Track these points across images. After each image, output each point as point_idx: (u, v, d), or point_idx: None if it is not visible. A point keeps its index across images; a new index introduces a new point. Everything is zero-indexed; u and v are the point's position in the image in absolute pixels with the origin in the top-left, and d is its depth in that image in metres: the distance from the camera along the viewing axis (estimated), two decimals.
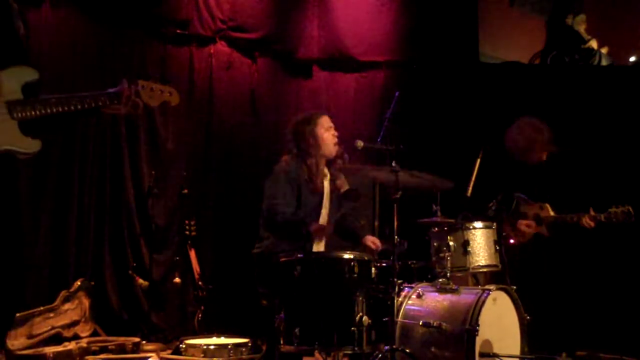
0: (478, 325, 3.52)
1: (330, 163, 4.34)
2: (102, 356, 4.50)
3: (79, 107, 2.84)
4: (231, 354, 3.92)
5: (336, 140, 4.33)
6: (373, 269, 3.64)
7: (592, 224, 4.60)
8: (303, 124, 4.33)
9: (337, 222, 4.34)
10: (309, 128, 4.29)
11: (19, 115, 2.73)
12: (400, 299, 3.79)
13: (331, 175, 4.34)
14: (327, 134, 4.30)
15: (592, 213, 4.60)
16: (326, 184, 4.32)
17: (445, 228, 4.11)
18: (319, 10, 6.19)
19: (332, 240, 4.33)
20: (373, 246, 4.23)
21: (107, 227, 5.46)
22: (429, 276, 4.12)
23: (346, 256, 3.58)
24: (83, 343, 4.65)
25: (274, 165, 4.37)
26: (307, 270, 3.51)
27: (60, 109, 2.81)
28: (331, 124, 4.37)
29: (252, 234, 4.43)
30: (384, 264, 3.89)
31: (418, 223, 4.25)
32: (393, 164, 3.79)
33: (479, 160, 4.80)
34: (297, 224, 4.04)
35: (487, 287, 3.81)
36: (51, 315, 4.67)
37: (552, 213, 4.71)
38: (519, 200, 4.77)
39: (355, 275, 3.50)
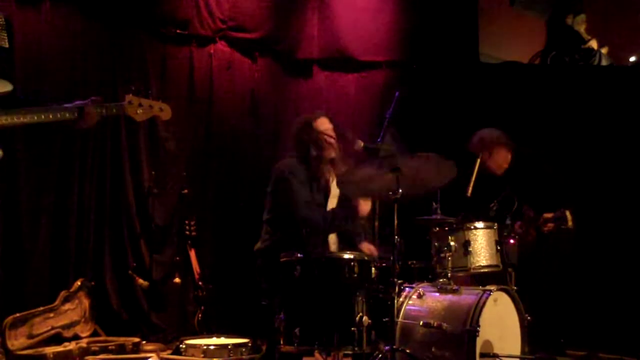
0: (479, 326, 3.52)
1: (332, 162, 4.34)
2: (102, 356, 4.50)
3: (36, 119, 2.89)
4: (231, 354, 3.91)
5: (332, 141, 4.31)
6: (373, 269, 3.65)
7: (542, 227, 4.49)
8: (303, 127, 4.34)
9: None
10: (309, 130, 4.30)
11: None
12: (400, 299, 3.78)
13: (335, 173, 4.33)
14: (322, 135, 4.30)
15: (545, 216, 4.46)
16: (332, 184, 4.32)
17: (446, 228, 4.11)
18: (319, 11, 6.19)
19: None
20: (368, 253, 4.22)
21: (107, 227, 5.46)
22: (430, 276, 4.12)
23: (346, 256, 3.59)
24: (83, 343, 4.65)
25: (275, 169, 4.33)
26: (307, 270, 3.51)
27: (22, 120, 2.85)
28: (328, 126, 4.36)
29: (252, 233, 4.43)
30: (384, 264, 3.89)
31: (418, 221, 4.25)
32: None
33: (479, 161, 4.80)
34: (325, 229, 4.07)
35: (488, 287, 3.81)
36: (51, 315, 4.67)
37: (532, 214, 4.66)
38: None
39: (355, 275, 3.51)
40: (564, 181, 4.73)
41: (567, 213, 4.32)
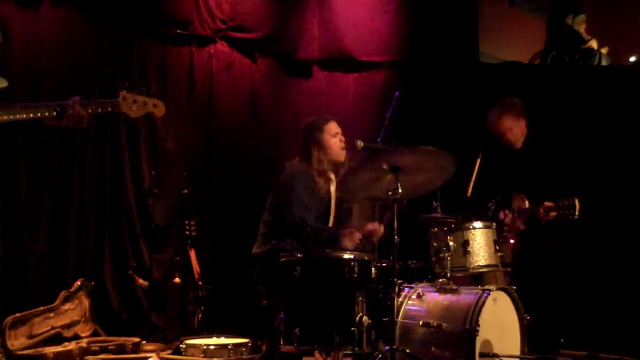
0: (478, 326, 3.51)
1: (337, 168, 4.31)
2: (102, 356, 4.50)
3: (18, 117, 2.90)
4: (231, 354, 3.92)
5: (343, 145, 4.28)
6: (373, 269, 3.64)
7: (543, 215, 4.33)
8: (311, 129, 4.32)
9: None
10: (315, 133, 4.27)
11: None
12: (400, 299, 3.78)
13: (337, 179, 4.31)
14: (333, 140, 4.27)
15: (547, 204, 4.31)
16: (332, 188, 4.30)
17: (445, 228, 4.10)
18: (319, 10, 6.20)
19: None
20: (374, 231, 4.16)
21: (107, 227, 5.47)
22: (429, 276, 4.12)
23: (346, 256, 3.58)
24: (83, 343, 4.65)
25: (284, 168, 4.31)
26: (307, 270, 3.51)
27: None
28: (338, 130, 4.32)
29: (252, 234, 4.43)
30: (384, 264, 3.89)
31: (418, 220, 4.24)
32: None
33: (478, 160, 4.79)
34: (328, 235, 4.02)
35: (487, 287, 3.81)
36: (51, 315, 4.67)
37: (527, 204, 4.56)
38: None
39: (355, 275, 3.50)
40: (571, 172, 4.65)
41: (577, 201, 4.18)
